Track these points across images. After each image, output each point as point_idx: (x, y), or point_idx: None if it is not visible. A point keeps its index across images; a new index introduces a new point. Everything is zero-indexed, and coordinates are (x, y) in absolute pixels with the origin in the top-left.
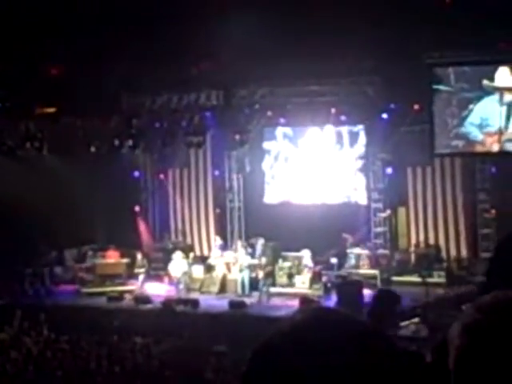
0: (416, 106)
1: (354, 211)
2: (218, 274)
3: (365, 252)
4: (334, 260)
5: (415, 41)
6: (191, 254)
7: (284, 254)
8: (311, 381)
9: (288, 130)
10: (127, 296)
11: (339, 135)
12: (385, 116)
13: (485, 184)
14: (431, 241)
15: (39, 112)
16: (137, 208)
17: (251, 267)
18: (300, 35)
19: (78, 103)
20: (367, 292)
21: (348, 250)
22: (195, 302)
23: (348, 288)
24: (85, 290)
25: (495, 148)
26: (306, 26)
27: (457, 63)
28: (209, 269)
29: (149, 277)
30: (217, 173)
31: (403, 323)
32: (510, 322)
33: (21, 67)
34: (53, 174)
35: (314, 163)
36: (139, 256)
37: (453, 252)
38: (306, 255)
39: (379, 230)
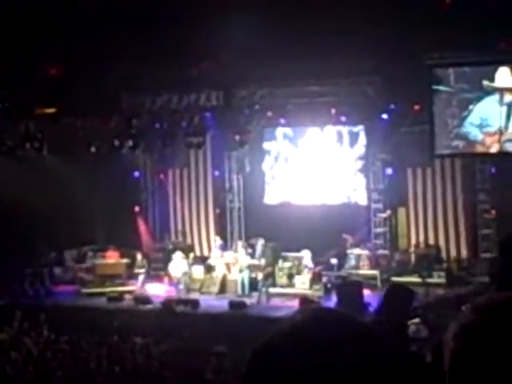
0: (416, 107)
1: (354, 212)
2: (218, 274)
3: (365, 252)
4: (334, 260)
5: (415, 41)
6: (191, 255)
7: (284, 254)
8: (311, 381)
9: (288, 131)
10: (127, 296)
11: (339, 136)
12: (385, 116)
13: (485, 184)
14: (431, 241)
15: (39, 112)
16: (137, 208)
17: (251, 268)
18: (300, 35)
19: (77, 103)
20: (367, 292)
21: (348, 251)
22: (195, 303)
23: (348, 288)
24: (85, 290)
25: (495, 148)
26: (306, 25)
27: (457, 64)
28: (209, 269)
29: (149, 277)
30: (217, 173)
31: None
32: (505, 322)
33: (20, 67)
34: (53, 174)
35: (314, 164)
36: (139, 256)
37: (453, 252)
38: (306, 256)
39: (379, 230)
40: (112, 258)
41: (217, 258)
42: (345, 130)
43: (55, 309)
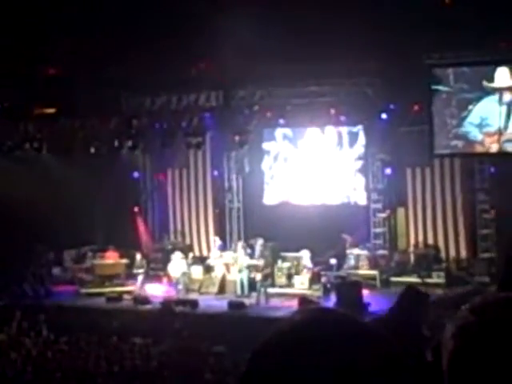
0: (415, 107)
1: (354, 212)
2: (217, 274)
3: (364, 252)
4: (333, 260)
5: (415, 41)
6: (190, 255)
7: (283, 254)
8: (311, 381)
9: (287, 131)
10: (126, 296)
11: (339, 136)
12: (384, 116)
13: (484, 184)
14: (430, 241)
15: (38, 112)
16: (136, 208)
17: (250, 268)
18: (300, 35)
19: (77, 104)
20: (366, 292)
21: (347, 251)
22: (194, 303)
23: (347, 288)
24: (84, 290)
25: (494, 148)
26: (306, 26)
27: (456, 64)
28: (208, 269)
29: (148, 277)
30: (216, 173)
31: None
32: (501, 323)
33: (20, 67)
34: (52, 174)
35: (314, 164)
36: (138, 256)
37: (452, 252)
38: (305, 256)
39: (378, 230)
40: (111, 258)
41: (216, 259)
42: (344, 130)
43: (54, 309)
